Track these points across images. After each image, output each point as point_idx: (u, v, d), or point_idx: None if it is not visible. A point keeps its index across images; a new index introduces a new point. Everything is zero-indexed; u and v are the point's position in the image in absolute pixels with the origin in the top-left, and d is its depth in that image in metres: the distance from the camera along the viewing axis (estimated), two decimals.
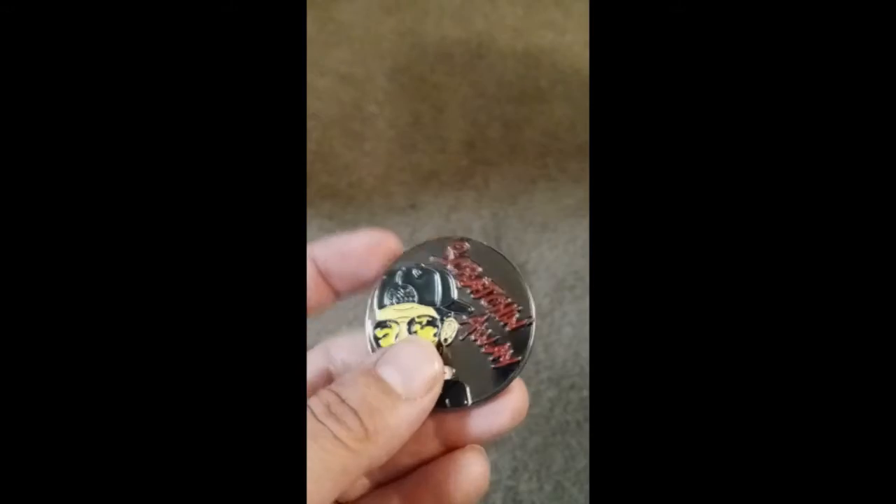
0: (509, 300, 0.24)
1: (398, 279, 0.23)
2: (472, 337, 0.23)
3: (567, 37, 1.11)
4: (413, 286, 0.23)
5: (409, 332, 0.23)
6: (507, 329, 0.23)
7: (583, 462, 0.67)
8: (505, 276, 0.24)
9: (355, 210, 0.88)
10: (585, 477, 0.67)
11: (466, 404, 0.23)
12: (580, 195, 0.88)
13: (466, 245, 0.24)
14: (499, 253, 0.24)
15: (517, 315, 0.24)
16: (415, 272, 0.24)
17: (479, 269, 0.24)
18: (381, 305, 0.23)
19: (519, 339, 0.23)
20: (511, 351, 0.23)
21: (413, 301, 0.23)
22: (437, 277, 0.24)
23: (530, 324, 0.23)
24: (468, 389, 0.23)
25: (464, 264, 0.24)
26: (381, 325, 0.23)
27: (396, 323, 0.23)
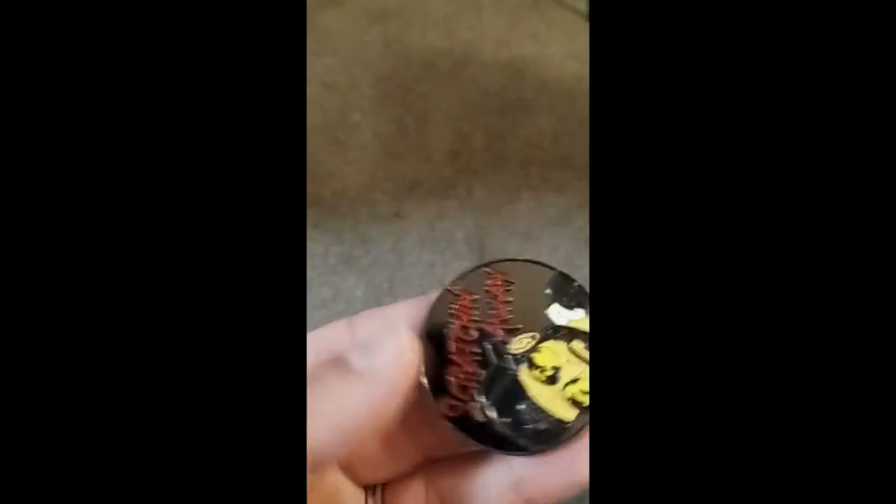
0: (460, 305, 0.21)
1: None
2: (502, 327, 0.21)
3: (550, 48, 1.12)
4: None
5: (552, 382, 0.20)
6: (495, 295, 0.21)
7: None
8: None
9: (339, 219, 0.88)
10: None
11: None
12: (563, 205, 0.89)
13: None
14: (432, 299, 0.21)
15: (457, 288, 0.21)
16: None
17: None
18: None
19: (476, 279, 0.21)
20: (495, 277, 0.21)
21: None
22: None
23: (451, 285, 0.21)
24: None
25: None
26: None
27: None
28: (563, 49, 1.12)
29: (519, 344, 0.21)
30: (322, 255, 0.85)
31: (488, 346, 0.21)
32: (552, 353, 0.20)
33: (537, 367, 0.20)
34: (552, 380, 0.20)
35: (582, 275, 0.83)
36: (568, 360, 0.20)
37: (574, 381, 0.20)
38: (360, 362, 0.19)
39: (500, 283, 0.21)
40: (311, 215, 0.88)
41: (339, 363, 0.19)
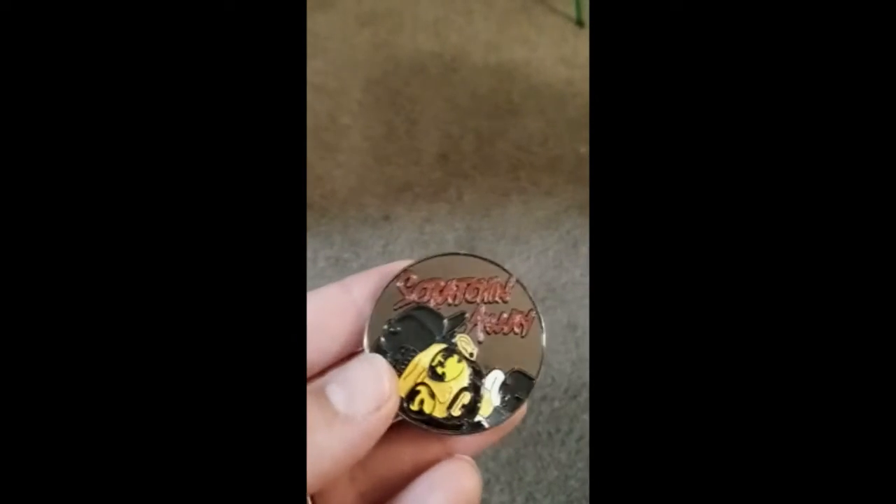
0: (481, 278, 0.23)
1: (385, 348, 0.22)
2: (485, 330, 0.23)
3: (539, 52, 1.12)
4: (403, 342, 0.22)
5: (437, 378, 0.22)
6: (505, 298, 0.23)
7: (554, 473, 0.68)
8: (462, 266, 0.23)
9: (328, 222, 0.88)
10: (557, 488, 0.67)
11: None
12: (552, 208, 0.90)
13: (412, 275, 0.23)
14: (438, 255, 0.23)
15: (499, 280, 0.23)
16: (392, 330, 0.22)
17: (439, 281, 0.23)
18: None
19: (518, 296, 0.23)
20: (521, 313, 0.23)
21: (415, 353, 0.22)
22: (415, 315, 0.23)
23: (517, 280, 0.23)
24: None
25: (423, 287, 0.23)
26: (410, 396, 0.22)
27: (424, 384, 0.22)
28: (552, 53, 1.12)
29: (464, 339, 0.23)
30: (311, 259, 0.85)
31: (450, 312, 0.23)
32: (456, 368, 0.23)
33: (450, 355, 0.23)
34: (436, 375, 0.22)
35: (570, 277, 0.84)
36: (450, 385, 0.22)
37: (419, 384, 0.22)
38: (340, 402, 0.19)
39: (518, 320, 0.23)
40: None
41: (319, 399, 0.19)
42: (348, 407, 0.19)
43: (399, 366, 0.22)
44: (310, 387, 0.20)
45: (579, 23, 1.17)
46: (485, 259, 0.23)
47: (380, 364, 0.21)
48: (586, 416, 0.70)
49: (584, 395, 0.72)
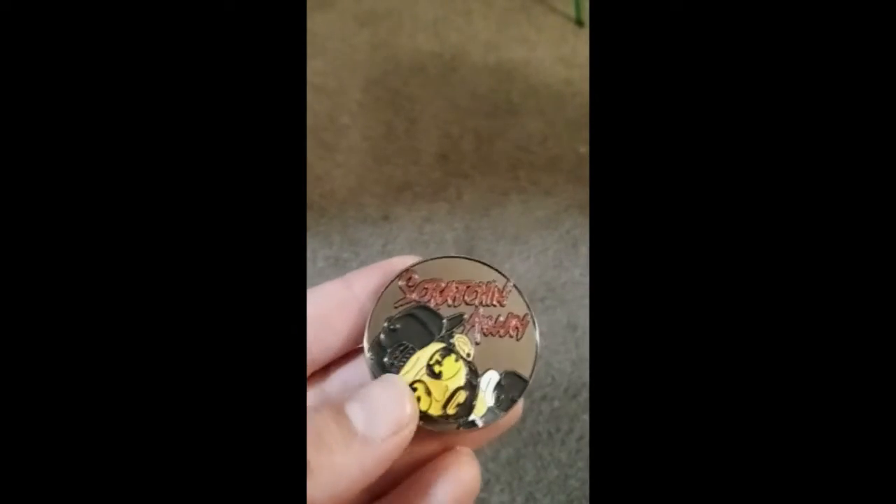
0: (480, 281, 0.24)
1: (385, 344, 0.23)
2: (482, 332, 0.23)
3: (538, 52, 1.12)
4: (402, 339, 0.23)
5: (434, 377, 0.23)
6: (502, 302, 0.24)
7: (554, 473, 0.68)
8: (462, 269, 0.24)
9: (328, 222, 0.88)
10: (557, 488, 0.67)
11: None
12: (552, 207, 0.89)
13: (414, 275, 0.23)
14: (440, 257, 0.24)
15: (496, 284, 0.24)
16: (392, 327, 0.23)
17: (440, 283, 0.23)
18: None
19: (514, 300, 0.24)
20: (517, 317, 0.23)
21: (414, 351, 0.23)
22: (415, 314, 0.23)
23: (513, 285, 0.24)
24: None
25: (424, 287, 0.23)
26: None
27: (421, 382, 0.22)
28: (551, 53, 1.12)
29: (461, 339, 0.23)
30: (311, 259, 0.85)
31: (449, 313, 0.23)
32: (453, 368, 0.23)
33: (448, 354, 0.23)
34: (434, 373, 0.23)
35: (570, 276, 0.84)
36: (447, 384, 0.23)
37: (417, 381, 0.22)
38: (360, 422, 0.19)
39: (514, 323, 0.24)
40: None
41: (339, 417, 0.19)
42: (368, 428, 0.19)
43: (398, 362, 0.22)
44: (330, 404, 0.20)
45: (579, 22, 1.17)
46: (484, 263, 0.24)
47: (402, 386, 0.21)
48: (586, 416, 0.70)
49: (584, 395, 0.72)
